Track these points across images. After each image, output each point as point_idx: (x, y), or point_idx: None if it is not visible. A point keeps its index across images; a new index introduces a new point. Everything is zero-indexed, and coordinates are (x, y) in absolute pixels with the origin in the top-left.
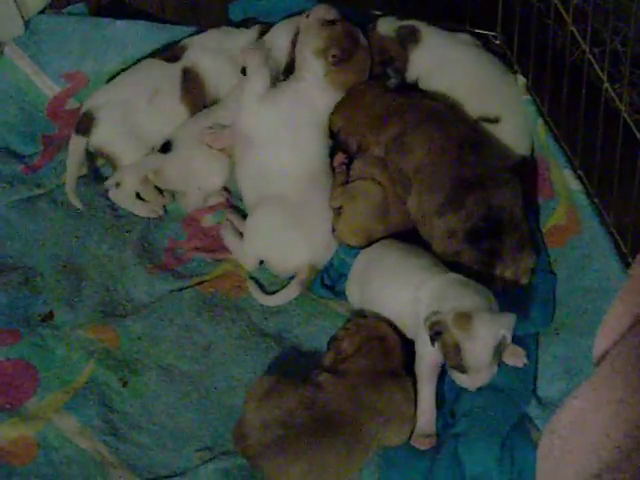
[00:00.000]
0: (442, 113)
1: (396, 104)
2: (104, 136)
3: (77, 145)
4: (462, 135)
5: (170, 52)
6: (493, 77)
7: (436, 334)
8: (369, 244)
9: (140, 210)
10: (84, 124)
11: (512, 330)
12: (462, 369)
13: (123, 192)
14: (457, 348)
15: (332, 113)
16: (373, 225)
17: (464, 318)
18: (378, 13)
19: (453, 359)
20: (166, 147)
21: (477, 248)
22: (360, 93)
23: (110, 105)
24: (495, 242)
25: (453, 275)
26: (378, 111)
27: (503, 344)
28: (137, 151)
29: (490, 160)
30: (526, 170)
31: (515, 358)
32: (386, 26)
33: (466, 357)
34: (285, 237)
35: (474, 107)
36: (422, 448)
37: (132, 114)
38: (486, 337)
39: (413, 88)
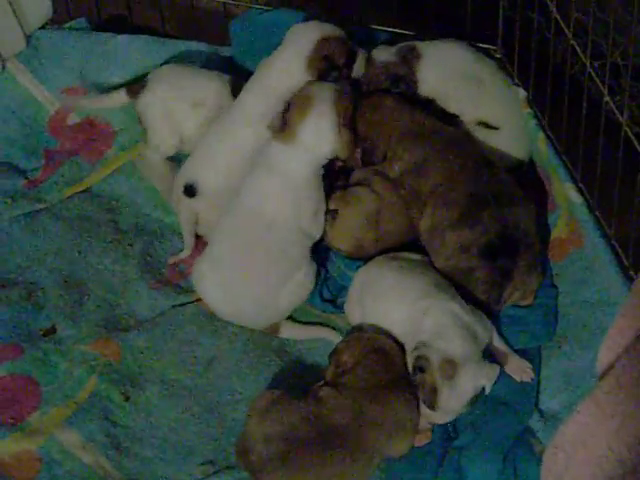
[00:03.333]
0: (462, 140)
1: (424, 126)
2: (148, 101)
3: (117, 99)
4: (480, 157)
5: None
6: (490, 83)
7: (419, 369)
8: (358, 252)
9: (159, 184)
10: (137, 87)
11: (493, 382)
12: (432, 408)
13: (154, 157)
14: (434, 390)
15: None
16: (363, 232)
17: (450, 365)
18: (378, 28)
19: (427, 397)
20: (190, 190)
21: (491, 266)
22: (389, 105)
23: (166, 78)
24: (508, 262)
25: (453, 306)
26: (408, 127)
27: (480, 394)
28: (169, 133)
29: (506, 180)
30: (528, 183)
31: (522, 373)
32: (383, 52)
33: (441, 402)
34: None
35: (473, 112)
36: (418, 444)
37: (178, 105)
38: (467, 388)
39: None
